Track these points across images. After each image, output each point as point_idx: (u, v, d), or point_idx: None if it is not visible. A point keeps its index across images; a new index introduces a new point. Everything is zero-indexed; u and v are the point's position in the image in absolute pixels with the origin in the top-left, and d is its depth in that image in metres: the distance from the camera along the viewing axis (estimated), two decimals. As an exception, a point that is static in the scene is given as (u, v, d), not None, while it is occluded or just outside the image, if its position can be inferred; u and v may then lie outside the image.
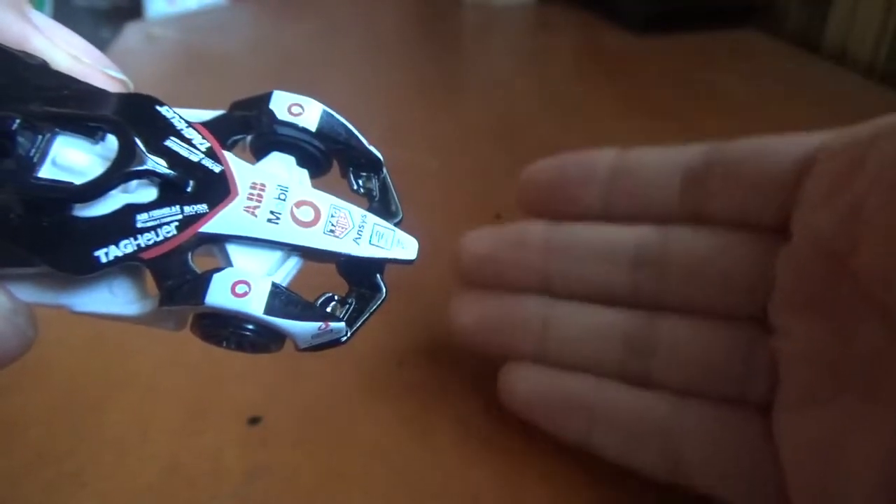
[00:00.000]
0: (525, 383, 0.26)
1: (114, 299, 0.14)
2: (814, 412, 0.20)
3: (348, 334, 0.15)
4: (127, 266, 0.14)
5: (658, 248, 0.25)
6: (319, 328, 0.14)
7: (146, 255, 0.14)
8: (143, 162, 0.14)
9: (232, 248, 0.14)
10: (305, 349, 0.15)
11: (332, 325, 0.14)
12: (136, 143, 0.14)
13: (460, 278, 0.28)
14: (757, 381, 0.22)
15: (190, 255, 0.14)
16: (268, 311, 0.13)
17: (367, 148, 0.16)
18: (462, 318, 0.27)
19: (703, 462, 0.23)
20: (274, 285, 0.14)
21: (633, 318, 0.25)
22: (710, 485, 0.23)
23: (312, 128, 0.16)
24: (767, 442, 0.21)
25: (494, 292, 0.27)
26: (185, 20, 0.85)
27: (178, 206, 0.14)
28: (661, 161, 0.25)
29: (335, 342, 0.15)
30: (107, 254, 0.13)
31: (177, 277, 0.14)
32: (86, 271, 0.13)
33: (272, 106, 0.16)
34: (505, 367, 0.27)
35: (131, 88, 0.16)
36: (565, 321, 0.26)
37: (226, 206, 0.14)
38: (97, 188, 0.13)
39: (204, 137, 0.15)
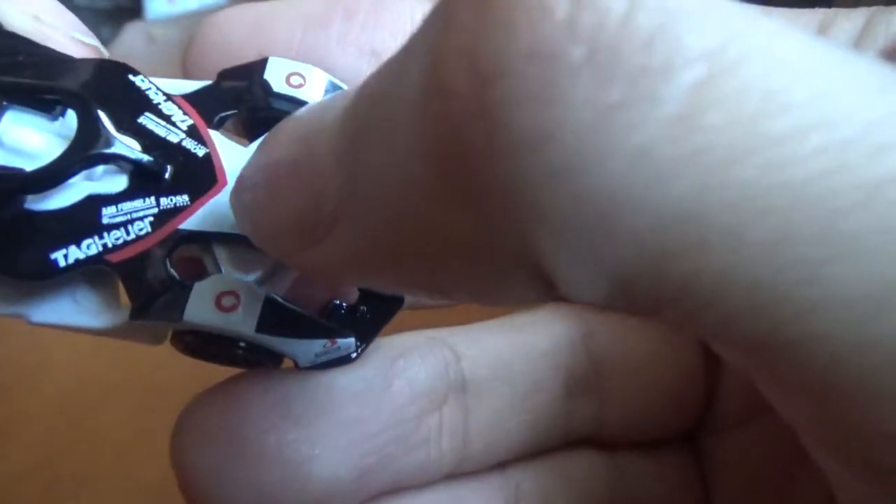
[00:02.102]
0: None
1: (78, 309, 0.12)
2: (745, 432, 0.16)
3: (358, 351, 0.12)
4: (92, 270, 0.12)
5: None
6: (324, 345, 0.12)
7: (114, 258, 0.11)
8: (109, 143, 0.11)
9: (219, 250, 0.12)
10: (308, 368, 0.12)
11: (340, 340, 0.12)
12: (99, 120, 0.11)
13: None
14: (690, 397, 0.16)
15: (168, 257, 0.12)
16: (260, 328, 0.11)
17: None
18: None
19: None
20: (268, 297, 0.11)
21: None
22: None
23: (316, 101, 0.13)
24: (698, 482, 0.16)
25: None
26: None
27: (152, 198, 0.12)
28: None
29: (343, 360, 0.12)
30: (66, 256, 0.11)
31: (151, 286, 0.11)
32: (40, 276, 0.11)
33: (267, 75, 0.13)
34: None
35: (105, 57, 0.14)
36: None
37: (211, 197, 0.12)
38: (53, 175, 0.11)
39: (186, 113, 0.12)
